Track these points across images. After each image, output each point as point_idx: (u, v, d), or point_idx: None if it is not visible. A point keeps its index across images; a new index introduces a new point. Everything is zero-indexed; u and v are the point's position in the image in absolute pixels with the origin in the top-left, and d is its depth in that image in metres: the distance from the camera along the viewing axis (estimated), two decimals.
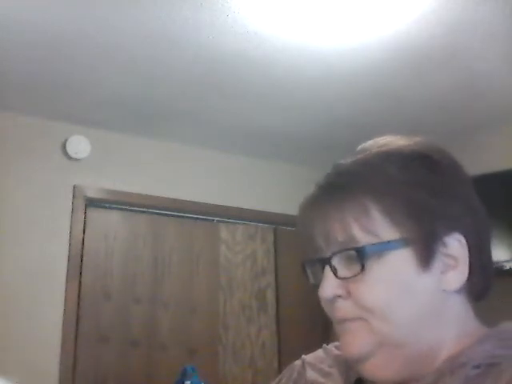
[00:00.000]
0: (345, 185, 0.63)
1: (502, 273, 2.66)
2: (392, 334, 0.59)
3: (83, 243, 2.93)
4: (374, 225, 0.60)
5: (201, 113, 2.92)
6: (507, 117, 3.04)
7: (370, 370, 0.61)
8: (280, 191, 3.48)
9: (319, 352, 0.78)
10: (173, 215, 3.26)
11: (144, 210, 3.16)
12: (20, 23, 2.16)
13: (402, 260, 0.59)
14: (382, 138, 0.68)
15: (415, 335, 0.59)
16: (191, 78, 2.61)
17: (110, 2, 2.06)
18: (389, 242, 0.59)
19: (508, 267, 2.70)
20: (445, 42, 2.39)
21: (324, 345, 0.78)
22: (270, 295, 3.42)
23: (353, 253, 0.60)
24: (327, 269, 0.61)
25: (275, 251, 3.54)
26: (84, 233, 2.95)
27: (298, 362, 0.77)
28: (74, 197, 2.90)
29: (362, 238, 0.60)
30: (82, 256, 2.87)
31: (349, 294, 0.60)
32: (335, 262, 0.61)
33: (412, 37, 2.32)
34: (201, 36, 2.28)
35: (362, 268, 0.59)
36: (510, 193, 2.80)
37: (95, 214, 3.01)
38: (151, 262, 3.14)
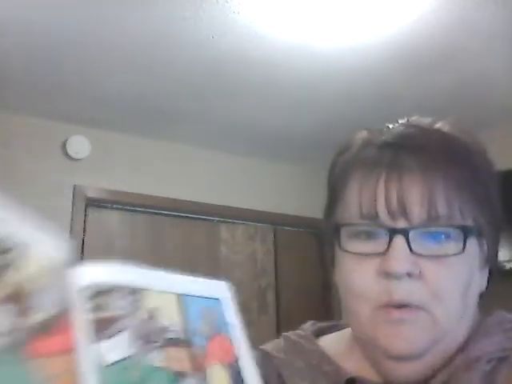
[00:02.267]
0: (453, 159, 0.56)
1: (502, 273, 2.67)
2: (448, 329, 0.54)
3: (83, 243, 2.93)
4: (468, 207, 0.55)
5: (201, 113, 2.92)
6: (507, 116, 3.04)
7: (413, 370, 0.55)
8: (280, 191, 3.48)
9: (280, 341, 0.69)
10: (173, 215, 3.26)
11: (144, 210, 3.17)
12: (20, 23, 2.16)
13: (476, 251, 0.56)
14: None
15: (454, 330, 0.56)
16: (192, 78, 2.61)
17: (111, 1, 2.06)
18: (479, 227, 0.56)
19: (508, 267, 2.70)
20: (444, 42, 2.39)
21: (284, 333, 0.70)
22: (270, 295, 3.43)
23: (447, 230, 0.54)
24: (400, 241, 0.53)
25: (275, 251, 3.54)
26: (84, 233, 2.95)
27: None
28: (74, 197, 2.91)
29: (458, 217, 0.54)
30: (82, 256, 2.87)
31: (421, 275, 0.53)
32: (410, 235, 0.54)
33: (412, 37, 2.33)
34: (201, 36, 2.28)
35: (463, 249, 0.53)
36: (510, 193, 2.80)
37: (95, 214, 3.02)
38: (151, 261, 3.13)
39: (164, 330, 0.46)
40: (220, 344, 0.49)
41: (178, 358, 0.45)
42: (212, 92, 2.72)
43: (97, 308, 0.43)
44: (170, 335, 0.46)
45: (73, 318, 0.40)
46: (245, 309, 3.18)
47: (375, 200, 0.55)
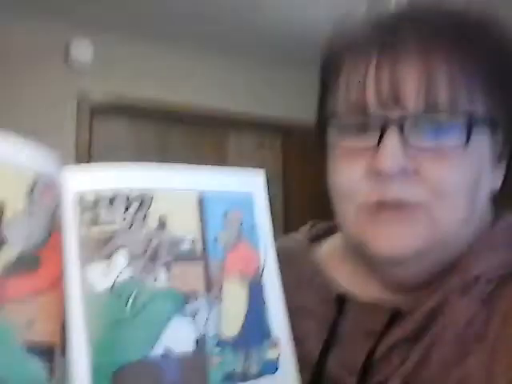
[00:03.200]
0: (460, 35, 0.47)
1: None
2: (450, 232, 0.47)
3: (89, 153, 2.87)
4: (478, 94, 0.46)
5: (209, 14, 2.73)
6: None
7: (405, 276, 0.49)
8: (289, 97, 3.35)
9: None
10: (181, 121, 3.16)
11: (151, 116, 3.07)
12: None
13: (485, 144, 0.47)
14: None
15: (458, 235, 0.48)
16: None
17: None
18: (493, 118, 0.47)
19: None
20: None
21: (279, 240, 0.64)
22: (278, 204, 3.41)
23: (450, 119, 0.45)
24: (392, 134, 0.45)
25: (283, 159, 3.48)
26: (90, 142, 2.88)
27: None
28: (78, 104, 2.80)
29: (464, 105, 0.45)
30: (89, 162, 2.82)
31: (418, 172, 0.46)
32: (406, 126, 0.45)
33: None
34: None
35: (467, 141, 0.45)
36: None
37: (101, 123, 2.93)
38: None
39: (176, 241, 0.38)
40: (242, 254, 0.42)
41: (189, 276, 0.38)
42: None
43: (92, 222, 0.36)
44: (183, 247, 0.39)
45: (60, 244, 0.33)
46: None
47: (364, 88, 0.47)
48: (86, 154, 2.85)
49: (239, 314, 0.40)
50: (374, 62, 0.46)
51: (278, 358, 0.41)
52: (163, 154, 3.10)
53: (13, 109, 2.61)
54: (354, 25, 0.50)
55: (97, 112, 2.89)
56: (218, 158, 3.31)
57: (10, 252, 0.29)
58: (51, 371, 0.29)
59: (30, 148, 0.33)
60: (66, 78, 2.77)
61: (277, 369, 0.40)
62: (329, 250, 0.59)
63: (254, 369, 0.39)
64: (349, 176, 0.48)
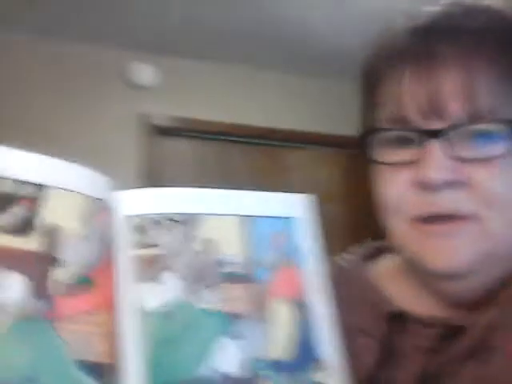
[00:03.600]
0: (501, 41, 0.46)
1: None
2: (504, 242, 0.46)
3: (150, 172, 2.96)
4: None
5: (265, 34, 2.76)
6: None
7: (459, 290, 0.48)
8: (347, 112, 3.34)
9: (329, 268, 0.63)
10: (241, 142, 3.21)
11: (211, 136, 3.13)
12: None
13: None
14: None
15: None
16: None
17: None
18: None
19: None
20: None
21: (332, 258, 0.64)
22: (343, 221, 3.37)
23: (494, 127, 0.44)
24: (435, 145, 0.44)
25: (343, 175, 3.45)
26: (151, 163, 2.97)
27: None
28: (139, 126, 2.90)
29: (506, 113, 0.44)
30: (151, 185, 2.91)
31: (465, 182, 0.45)
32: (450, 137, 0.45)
33: None
34: None
35: None
36: None
37: (162, 143, 3.02)
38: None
39: (220, 263, 0.40)
40: (288, 276, 0.42)
41: (234, 297, 0.39)
42: (284, 13, 2.56)
43: (140, 244, 0.37)
44: (228, 269, 0.40)
45: (112, 265, 0.35)
46: None
47: (403, 99, 0.46)
48: (148, 174, 2.94)
49: (285, 336, 0.40)
50: (412, 73, 0.46)
51: (326, 381, 0.40)
52: (224, 174, 3.15)
53: (77, 130, 2.74)
54: (392, 36, 0.50)
55: (157, 133, 2.98)
56: (280, 176, 3.32)
57: (66, 273, 0.31)
58: None
59: (83, 174, 0.35)
60: (127, 100, 2.88)
61: None
62: (381, 268, 0.59)
63: None
64: (395, 189, 0.48)
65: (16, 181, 0.31)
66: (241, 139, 3.21)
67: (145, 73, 2.84)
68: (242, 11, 2.60)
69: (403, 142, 0.47)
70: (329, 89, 3.34)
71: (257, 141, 3.24)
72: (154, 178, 2.95)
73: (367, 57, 0.53)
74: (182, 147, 3.10)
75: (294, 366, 0.40)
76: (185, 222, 0.40)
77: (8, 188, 0.31)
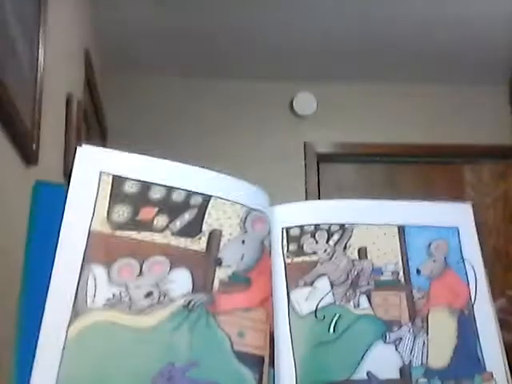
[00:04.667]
0: None
1: None
2: None
3: (319, 199, 3.01)
4: None
5: (427, 46, 2.67)
6: None
7: None
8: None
9: None
10: (408, 162, 3.11)
11: (377, 159, 3.09)
12: None
13: None
14: None
15: None
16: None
17: None
18: None
19: None
20: None
21: None
22: None
23: None
24: None
25: None
26: (319, 188, 3.03)
27: None
28: (305, 154, 2.99)
29: None
30: None
31: None
32: None
33: None
34: None
35: None
36: None
37: (328, 169, 3.06)
38: None
39: (376, 270, 0.40)
40: (449, 284, 0.41)
41: (391, 304, 0.39)
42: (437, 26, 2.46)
43: (296, 252, 0.40)
44: (384, 277, 0.40)
45: (267, 268, 0.38)
46: (499, 255, 2.83)
47: None
48: (316, 196, 2.99)
49: (447, 345, 0.39)
50: None
51: None
52: (394, 195, 3.07)
53: (248, 158, 2.90)
54: None
55: (323, 159, 3.03)
56: (453, 193, 3.14)
57: (225, 271, 0.34)
58: (260, 380, 0.33)
59: (243, 187, 0.39)
60: (292, 129, 2.98)
61: None
62: None
63: None
64: None
65: (187, 192, 0.36)
66: (408, 159, 3.10)
67: (308, 103, 2.92)
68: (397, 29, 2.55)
69: None
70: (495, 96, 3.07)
71: (425, 159, 3.11)
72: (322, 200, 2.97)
73: None
74: (347, 170, 3.11)
75: (457, 375, 0.38)
76: (339, 231, 0.41)
77: (181, 198, 0.36)
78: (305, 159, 3.02)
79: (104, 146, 2.55)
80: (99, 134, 2.37)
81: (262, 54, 2.74)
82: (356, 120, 3.04)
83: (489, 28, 2.52)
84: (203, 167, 0.39)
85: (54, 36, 1.21)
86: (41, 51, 1.03)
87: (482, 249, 0.44)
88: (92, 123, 2.10)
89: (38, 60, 1.02)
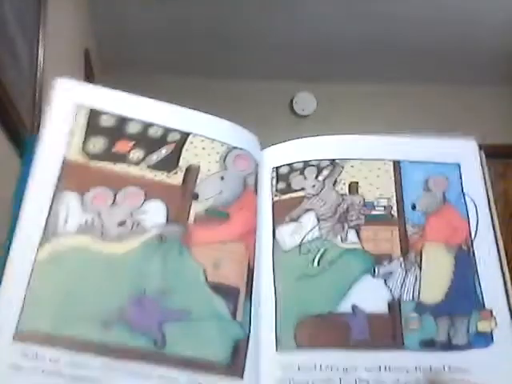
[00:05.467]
0: None
1: None
2: None
3: None
4: None
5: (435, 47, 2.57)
6: None
7: None
8: None
9: None
10: None
11: None
12: None
13: None
14: None
15: None
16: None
17: None
18: None
19: None
20: None
21: None
22: None
23: None
24: None
25: None
26: None
27: None
28: None
29: None
30: None
31: None
32: None
33: None
34: None
35: None
36: None
37: None
38: None
39: (367, 205, 0.38)
40: (447, 220, 0.39)
41: (381, 239, 0.38)
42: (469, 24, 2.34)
43: (284, 190, 0.39)
44: (375, 211, 0.39)
45: (249, 205, 0.37)
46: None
47: None
48: None
49: (442, 281, 0.37)
50: None
51: (491, 331, 0.36)
52: None
53: None
54: None
55: None
56: None
57: (201, 205, 0.34)
58: (235, 311, 0.32)
59: (227, 127, 0.38)
60: (292, 129, 2.93)
61: (490, 343, 0.36)
62: None
63: (459, 339, 0.36)
64: None
65: (165, 128, 0.36)
66: None
67: (307, 103, 2.89)
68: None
69: None
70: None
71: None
72: None
73: None
74: None
75: (452, 312, 0.36)
76: (330, 167, 0.40)
77: (158, 134, 0.35)
78: None
79: None
80: None
81: (262, 54, 2.69)
82: (356, 120, 2.95)
83: (490, 28, 2.40)
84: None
85: (53, 36, 1.20)
86: (40, 51, 1.04)
87: (488, 188, 0.42)
88: None
89: (37, 60, 1.02)
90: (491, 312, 0.37)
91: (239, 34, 2.47)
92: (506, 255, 0.43)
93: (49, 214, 0.31)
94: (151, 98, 0.38)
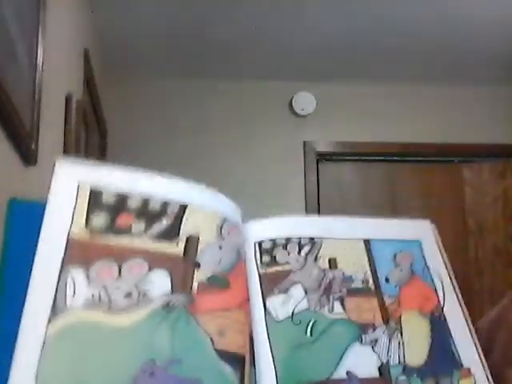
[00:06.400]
0: None
1: None
2: None
3: (318, 197, 2.98)
4: None
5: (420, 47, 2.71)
6: None
7: None
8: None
9: None
10: (407, 161, 3.12)
11: (377, 158, 3.09)
12: None
13: None
14: None
15: None
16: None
17: None
18: None
19: None
20: None
21: None
22: None
23: None
24: None
25: None
26: (318, 188, 2.99)
27: None
28: (305, 153, 2.96)
29: None
30: (318, 211, 2.88)
31: None
32: None
33: None
34: None
35: None
36: None
37: (327, 168, 3.04)
38: (387, 210, 3.01)
39: (347, 278, 0.42)
40: (418, 290, 0.43)
41: (364, 309, 0.40)
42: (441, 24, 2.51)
43: (269, 263, 0.41)
44: (355, 284, 0.42)
45: (244, 274, 0.39)
46: (499, 253, 2.83)
47: None
48: (315, 194, 2.95)
49: (423, 344, 0.40)
50: None
51: None
52: (392, 193, 3.05)
53: (248, 158, 2.86)
54: None
55: (322, 158, 3.01)
56: (452, 192, 3.13)
57: (203, 273, 0.35)
58: (242, 379, 0.33)
59: (218, 199, 0.40)
60: (292, 128, 2.96)
61: None
62: None
63: None
64: None
65: (164, 201, 0.37)
66: (407, 158, 3.11)
67: (307, 103, 2.93)
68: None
69: None
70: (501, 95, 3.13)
71: (424, 158, 3.13)
72: (323, 202, 2.94)
73: None
74: (345, 168, 3.09)
75: (436, 372, 0.39)
76: (310, 244, 0.43)
77: (158, 207, 0.37)
78: (304, 158, 2.97)
79: (103, 145, 2.46)
80: (98, 134, 2.33)
81: (262, 54, 2.69)
82: (355, 119, 2.99)
83: (489, 27, 2.44)
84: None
85: (53, 36, 1.21)
86: (40, 51, 1.04)
87: (446, 260, 0.47)
88: (91, 123, 2.08)
89: (37, 60, 1.02)
90: (469, 370, 0.40)
91: (239, 34, 2.45)
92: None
93: (56, 290, 0.31)
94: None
